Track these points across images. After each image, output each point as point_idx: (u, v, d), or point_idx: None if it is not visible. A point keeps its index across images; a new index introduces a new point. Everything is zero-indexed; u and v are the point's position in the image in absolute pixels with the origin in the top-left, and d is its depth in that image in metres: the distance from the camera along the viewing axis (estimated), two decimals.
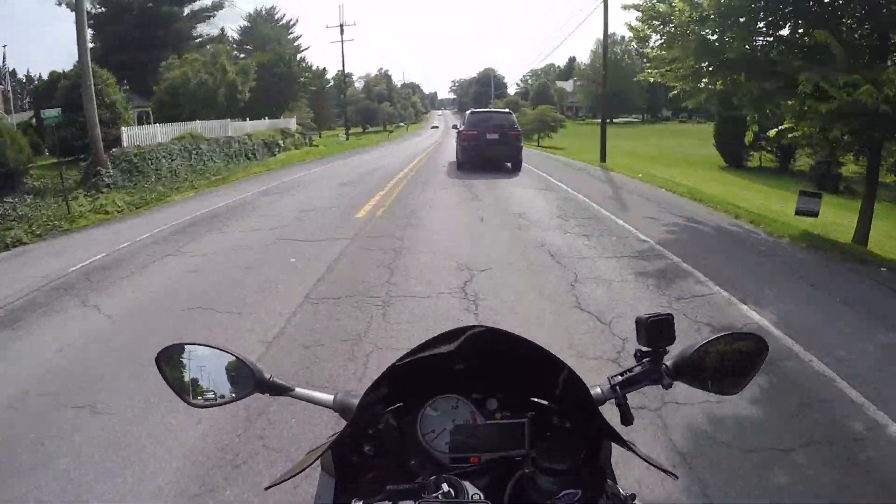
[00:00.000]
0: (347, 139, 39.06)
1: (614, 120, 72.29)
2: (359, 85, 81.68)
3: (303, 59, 40.16)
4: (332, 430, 1.04)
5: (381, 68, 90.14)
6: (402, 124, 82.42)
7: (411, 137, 45.01)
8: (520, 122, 40.65)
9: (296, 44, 50.67)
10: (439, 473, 0.78)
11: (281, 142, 24.67)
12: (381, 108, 72.92)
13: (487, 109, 17.69)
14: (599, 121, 22.93)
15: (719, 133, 26.02)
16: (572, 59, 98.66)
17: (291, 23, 52.56)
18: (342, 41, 39.92)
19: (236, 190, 12.69)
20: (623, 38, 74.07)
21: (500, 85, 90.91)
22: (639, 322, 0.90)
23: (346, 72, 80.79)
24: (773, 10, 6.96)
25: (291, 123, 30.19)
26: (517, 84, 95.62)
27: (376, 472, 0.88)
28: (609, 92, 33.95)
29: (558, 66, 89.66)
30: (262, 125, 25.57)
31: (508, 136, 13.93)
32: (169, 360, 0.90)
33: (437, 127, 66.88)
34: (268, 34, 44.96)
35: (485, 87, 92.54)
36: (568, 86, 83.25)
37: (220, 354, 0.90)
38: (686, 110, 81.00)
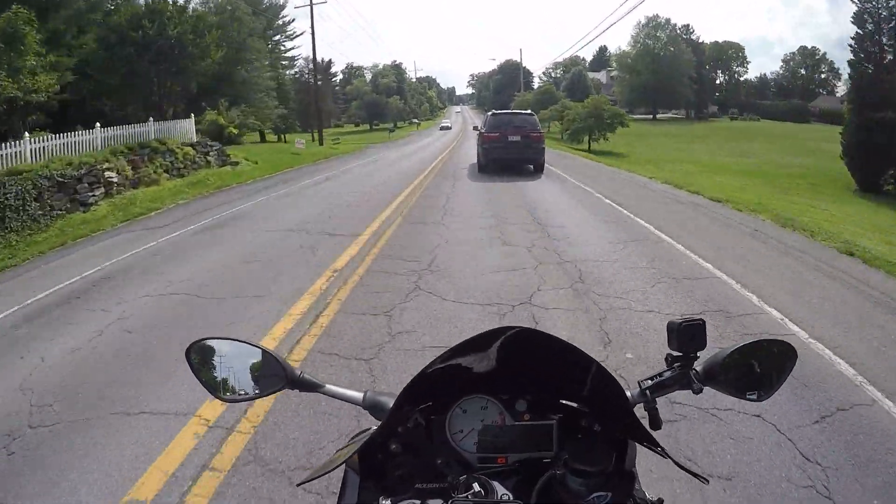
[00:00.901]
0: (321, 144, 30.30)
1: (657, 116, 64.07)
2: (367, 77, 74.37)
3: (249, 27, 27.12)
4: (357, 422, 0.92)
5: (395, 60, 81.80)
6: (415, 121, 74.73)
7: (418, 139, 37.25)
8: (567, 120, 30.90)
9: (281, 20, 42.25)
10: (467, 473, 0.80)
11: (114, 175, 10.91)
12: (390, 102, 65.09)
13: (509, 111, 16.81)
14: (644, 117, 16.82)
15: (853, 144, 18.04)
16: (603, 49, 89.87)
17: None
18: (311, 4, 29.81)
19: None
20: (668, 20, 65.54)
21: (525, 74, 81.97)
22: (670, 327, 0.89)
23: (346, 63, 73.64)
24: None
25: (180, 129, 15.25)
26: (540, 77, 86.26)
27: (402, 470, 0.87)
28: (642, 82, 26.13)
29: (583, 59, 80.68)
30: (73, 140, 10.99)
31: (531, 139, 13.72)
32: (199, 354, 0.91)
33: (447, 128, 55.24)
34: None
35: (509, 76, 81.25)
36: (601, 77, 74.65)
37: (250, 350, 0.90)
38: (737, 105, 72.05)
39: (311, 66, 49.47)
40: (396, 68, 75.59)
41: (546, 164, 14.35)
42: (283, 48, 51.93)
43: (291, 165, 18.26)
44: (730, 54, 75.99)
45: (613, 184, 12.47)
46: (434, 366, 0.83)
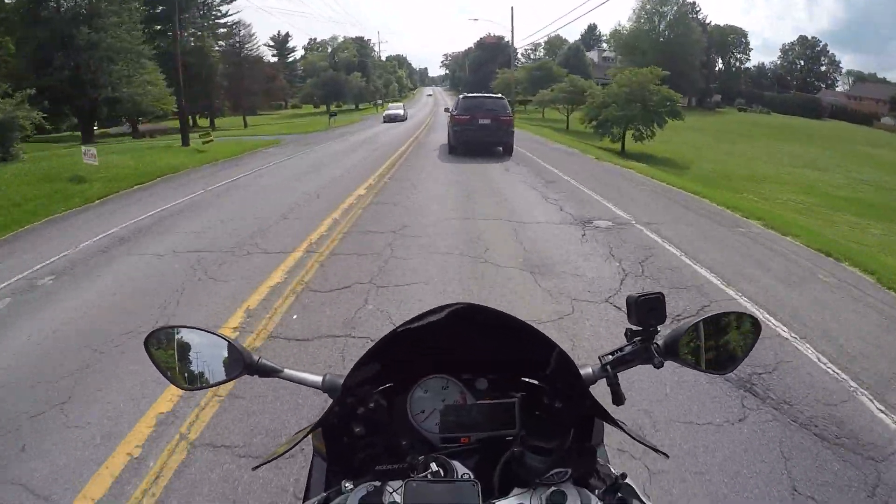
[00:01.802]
0: (185, 144, 17.94)
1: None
2: (315, 57, 63.48)
3: None
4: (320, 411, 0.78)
5: (363, 38, 69.48)
6: (379, 102, 64.69)
7: (365, 130, 26.30)
8: (592, 105, 21.08)
9: None
10: (430, 453, 0.80)
11: None
12: (350, 80, 54.51)
13: (480, 94, 16.50)
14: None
15: None
16: (593, 28, 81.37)
17: None
18: None
19: None
20: None
21: (502, 50, 70.10)
22: (629, 300, 0.88)
23: (308, 39, 62.06)
24: None
25: None
26: (520, 57, 76.30)
27: (367, 452, 0.87)
28: (647, 64, 18.72)
29: (565, 40, 71.25)
30: None
31: (501, 122, 13.97)
32: (157, 343, 0.90)
33: (397, 118, 32.07)
34: None
35: (489, 52, 70.49)
36: (594, 56, 66.14)
37: (208, 337, 0.89)
38: (739, 95, 65.31)
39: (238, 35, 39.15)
40: (359, 41, 64.38)
41: (575, 188, 9.63)
42: (217, 13, 40.72)
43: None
44: (731, 39, 68.54)
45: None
46: (384, 340, 0.83)
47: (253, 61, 43.17)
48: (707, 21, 64.09)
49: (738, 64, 71.06)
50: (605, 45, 71.40)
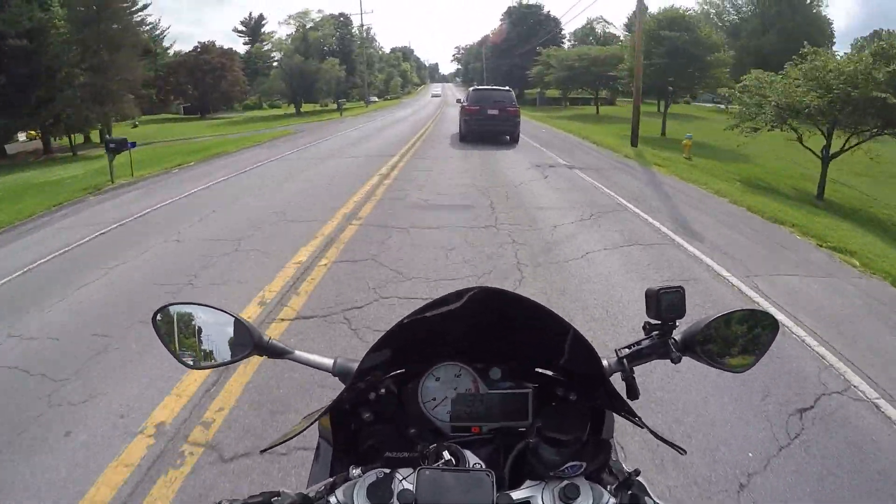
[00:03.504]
0: None
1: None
2: (285, 31, 49.16)
3: None
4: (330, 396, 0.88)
5: (344, 14, 52.74)
6: (374, 99, 50.87)
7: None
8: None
9: None
10: (440, 442, 0.79)
11: None
12: (323, 69, 40.01)
13: (489, 87, 17.99)
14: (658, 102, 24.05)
15: None
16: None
17: None
18: None
19: None
20: None
21: (546, 24, 53.23)
22: (649, 293, 0.87)
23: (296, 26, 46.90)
24: None
25: None
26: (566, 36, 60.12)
27: (375, 439, 0.87)
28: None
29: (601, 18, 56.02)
30: None
31: (508, 113, 15.10)
32: (165, 320, 0.88)
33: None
34: None
35: (525, 27, 52.82)
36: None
37: (217, 315, 0.88)
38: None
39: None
40: (339, 19, 49.03)
41: None
42: None
43: None
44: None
45: None
46: (400, 326, 0.82)
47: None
48: None
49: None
50: None
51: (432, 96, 68.65)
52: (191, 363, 0.87)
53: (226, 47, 47.35)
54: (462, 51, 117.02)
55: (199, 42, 52.15)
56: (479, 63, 77.33)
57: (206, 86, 44.33)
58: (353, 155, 13.56)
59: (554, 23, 52.54)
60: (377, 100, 59.45)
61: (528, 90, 53.03)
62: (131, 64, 24.28)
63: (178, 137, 24.83)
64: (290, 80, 40.55)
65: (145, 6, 33.02)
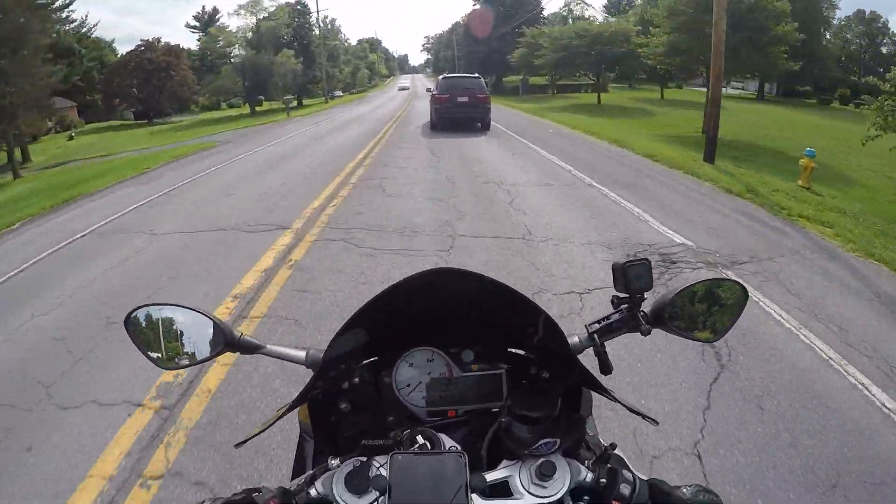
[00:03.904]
0: None
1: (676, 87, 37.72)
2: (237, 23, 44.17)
3: None
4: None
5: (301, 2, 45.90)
6: (338, 94, 46.29)
7: None
8: None
9: None
10: (416, 427, 0.79)
11: None
12: (277, 63, 35.11)
13: (458, 75, 17.97)
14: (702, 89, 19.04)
15: None
16: None
17: None
18: None
19: None
20: None
21: (526, 4, 47.26)
22: (615, 267, 0.87)
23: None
24: None
25: None
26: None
27: (354, 429, 0.87)
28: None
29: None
30: None
31: (478, 100, 15.21)
32: (137, 323, 0.87)
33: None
34: None
35: (500, 6, 47.88)
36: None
37: (189, 314, 0.86)
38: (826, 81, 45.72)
39: None
40: (296, 7, 43.48)
41: None
42: None
43: None
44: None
45: None
46: (362, 310, 0.80)
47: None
48: None
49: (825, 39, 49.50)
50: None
51: (399, 89, 61.70)
52: (162, 363, 0.86)
53: (176, 45, 42.26)
54: (431, 40, 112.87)
55: (141, 40, 46.34)
56: (449, 51, 72.96)
57: (152, 87, 39.48)
58: (242, 201, 7.70)
59: (535, 3, 48.52)
60: (341, 94, 54.87)
61: (508, 77, 49.15)
62: (33, 70, 19.60)
63: (102, 154, 20.34)
64: (242, 76, 35.93)
65: (66, 4, 28.18)
